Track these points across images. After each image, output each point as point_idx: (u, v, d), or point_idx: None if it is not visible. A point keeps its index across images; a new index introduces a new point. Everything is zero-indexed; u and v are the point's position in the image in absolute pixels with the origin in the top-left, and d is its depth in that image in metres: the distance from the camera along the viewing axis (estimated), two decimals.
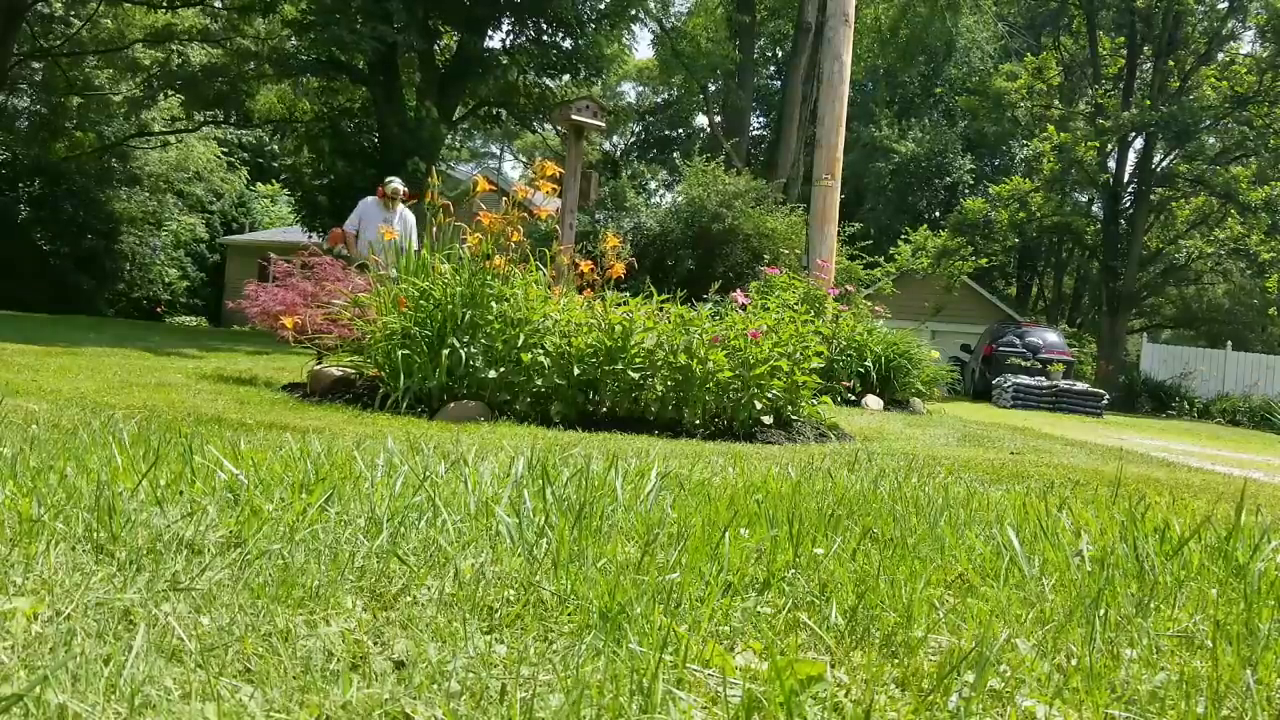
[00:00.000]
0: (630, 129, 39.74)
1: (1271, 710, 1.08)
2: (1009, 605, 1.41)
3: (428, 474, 2.06)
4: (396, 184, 8.48)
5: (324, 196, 17.76)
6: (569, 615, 1.24)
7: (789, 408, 5.02)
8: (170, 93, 21.74)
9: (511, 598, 1.29)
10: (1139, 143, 23.28)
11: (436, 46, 19.05)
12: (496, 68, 18.50)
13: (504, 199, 5.26)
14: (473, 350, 4.59)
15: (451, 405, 4.49)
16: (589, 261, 5.54)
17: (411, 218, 8.66)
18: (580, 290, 5.38)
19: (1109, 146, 21.51)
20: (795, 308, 5.63)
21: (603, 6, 19.17)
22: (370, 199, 8.66)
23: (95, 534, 1.40)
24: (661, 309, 4.91)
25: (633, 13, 20.74)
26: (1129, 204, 22.79)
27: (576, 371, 4.53)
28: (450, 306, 4.69)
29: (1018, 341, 17.19)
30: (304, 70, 17.94)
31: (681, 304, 4.97)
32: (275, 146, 26.59)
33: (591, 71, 19.75)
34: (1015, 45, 29.94)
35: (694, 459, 3.05)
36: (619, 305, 4.80)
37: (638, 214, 17.32)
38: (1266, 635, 1.30)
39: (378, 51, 16.10)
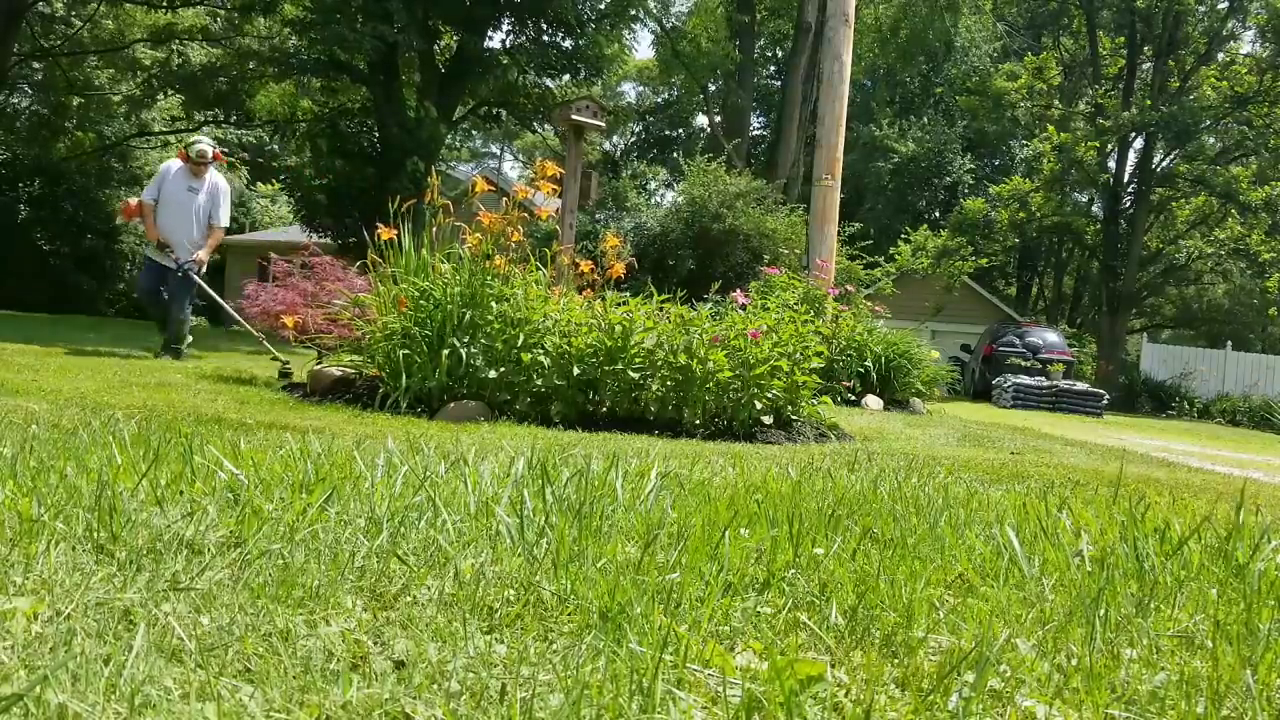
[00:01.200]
0: (630, 129, 39.76)
1: (1271, 710, 1.08)
2: (1009, 605, 1.41)
3: (428, 474, 2.06)
4: (204, 145, 7.04)
5: (323, 196, 17.74)
6: (569, 615, 1.24)
7: (789, 408, 5.02)
8: (170, 92, 21.73)
9: (511, 598, 1.29)
10: (1139, 143, 23.31)
11: (436, 46, 19.04)
12: (496, 68, 18.48)
13: (504, 199, 5.26)
14: (473, 350, 4.59)
15: (451, 405, 4.49)
16: (589, 261, 5.54)
17: (224, 186, 7.27)
18: (580, 290, 5.38)
19: (1109, 146, 21.52)
20: (795, 308, 5.63)
21: (603, 6, 19.15)
22: (173, 164, 7.19)
23: (95, 534, 1.40)
24: (661, 309, 4.91)
25: (633, 13, 20.73)
26: (1129, 204, 22.81)
27: (576, 371, 4.53)
28: (450, 306, 4.69)
29: (1018, 341, 17.20)
30: (304, 70, 17.93)
31: (681, 304, 4.97)
32: (275, 146, 26.58)
33: (591, 71, 19.73)
34: (1015, 45, 29.95)
35: (694, 459, 3.05)
36: (619, 305, 4.80)
37: (638, 214, 17.34)
38: (1266, 635, 1.30)
39: (378, 51, 16.09)
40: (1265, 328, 24.46)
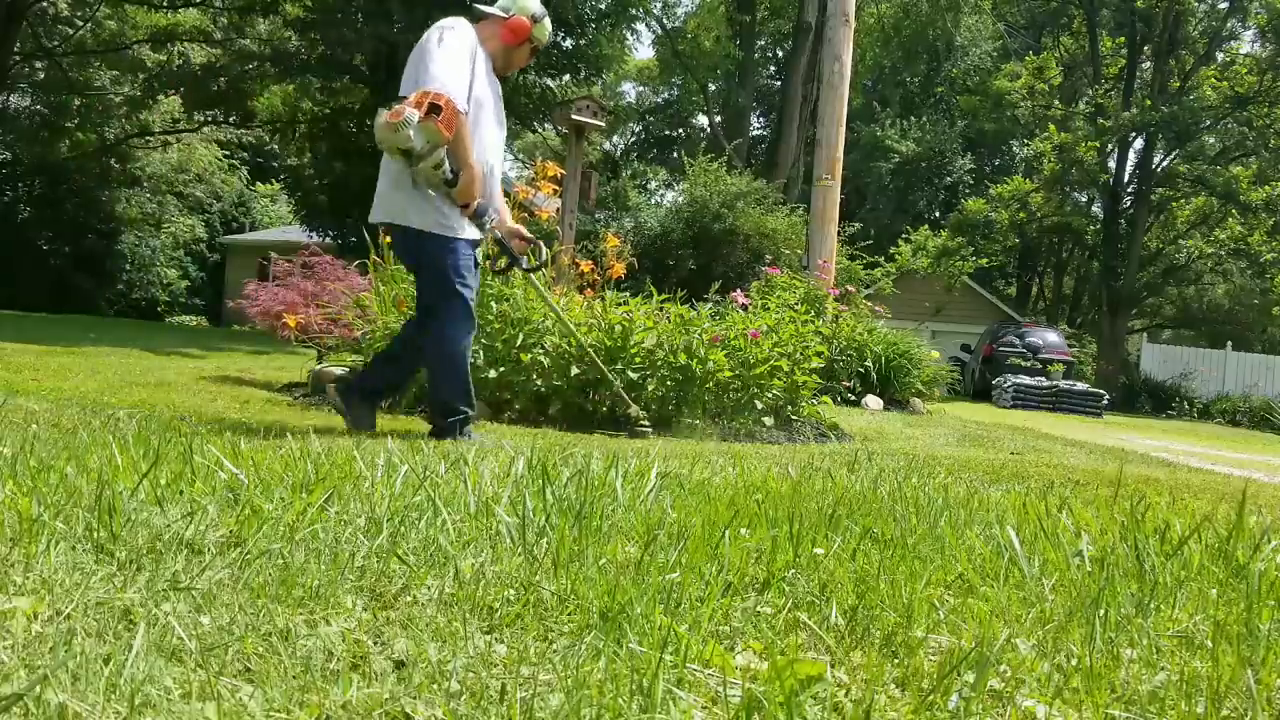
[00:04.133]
0: (630, 129, 39.75)
1: (1271, 710, 1.08)
2: (1009, 605, 1.41)
3: (428, 474, 2.06)
4: (546, 20, 3.77)
5: (324, 196, 17.75)
6: (569, 615, 1.24)
7: (789, 408, 5.02)
8: (171, 93, 21.72)
9: (511, 597, 1.29)
10: (1139, 143, 23.31)
11: None
12: None
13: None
14: (472, 350, 4.59)
15: None
16: (589, 261, 5.54)
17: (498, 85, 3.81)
18: (581, 290, 5.38)
19: (1109, 146, 21.52)
20: (795, 308, 5.63)
21: (603, 6, 19.17)
22: (468, 33, 3.61)
23: (95, 533, 1.40)
24: (661, 309, 4.91)
25: (633, 13, 20.75)
26: (1129, 204, 22.81)
27: (576, 371, 4.53)
28: None
29: (1018, 341, 17.20)
30: (305, 70, 17.95)
31: (682, 304, 4.97)
32: (275, 146, 26.57)
33: (592, 71, 19.75)
34: (1015, 45, 29.95)
35: (694, 459, 3.05)
36: (619, 305, 4.80)
37: (638, 214, 17.34)
38: (1266, 635, 1.30)
39: (378, 51, 16.11)
40: (1266, 328, 24.46)
